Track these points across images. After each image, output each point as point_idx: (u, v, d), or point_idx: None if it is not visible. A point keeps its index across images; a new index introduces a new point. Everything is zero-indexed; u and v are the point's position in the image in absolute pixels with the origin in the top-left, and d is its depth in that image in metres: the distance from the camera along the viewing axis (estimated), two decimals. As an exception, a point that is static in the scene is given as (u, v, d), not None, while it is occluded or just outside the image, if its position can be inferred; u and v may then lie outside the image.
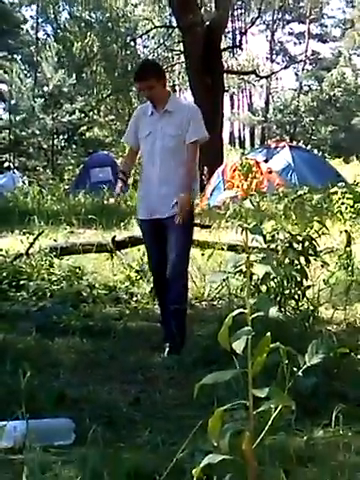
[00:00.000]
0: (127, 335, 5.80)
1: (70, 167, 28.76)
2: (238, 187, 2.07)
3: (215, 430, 2.18)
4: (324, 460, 3.24)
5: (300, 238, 5.52)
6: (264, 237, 5.36)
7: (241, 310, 2.16)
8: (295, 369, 2.73)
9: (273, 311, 2.07)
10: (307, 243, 5.52)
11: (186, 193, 5.25)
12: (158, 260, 5.47)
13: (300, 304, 5.46)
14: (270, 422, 2.34)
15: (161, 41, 34.41)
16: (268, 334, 2.11)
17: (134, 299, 7.02)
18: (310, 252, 5.56)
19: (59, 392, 4.13)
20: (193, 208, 5.49)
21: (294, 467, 3.05)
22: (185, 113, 5.38)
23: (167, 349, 5.20)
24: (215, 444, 2.21)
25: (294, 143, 32.16)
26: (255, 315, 2.13)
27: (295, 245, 5.42)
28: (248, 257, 2.12)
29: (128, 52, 32.91)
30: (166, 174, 5.32)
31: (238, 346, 2.08)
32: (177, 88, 47.17)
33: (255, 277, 5.26)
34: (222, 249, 8.03)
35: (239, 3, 45.72)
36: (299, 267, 5.39)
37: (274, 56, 62.50)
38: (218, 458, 2.16)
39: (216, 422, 2.18)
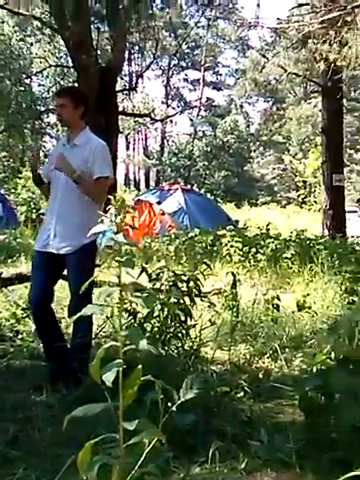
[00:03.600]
0: (10, 373, 5.68)
1: None
2: (111, 222, 2.10)
3: (84, 463, 2.17)
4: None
5: (185, 278, 5.58)
6: (149, 276, 5.44)
7: (113, 343, 2.18)
8: (171, 405, 2.76)
9: (143, 343, 2.09)
10: (192, 283, 5.58)
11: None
12: (38, 294, 5.37)
13: (184, 343, 5.51)
14: (143, 457, 2.35)
15: (57, 80, 34.37)
16: (139, 366, 2.13)
17: (19, 337, 6.89)
18: (195, 292, 5.62)
19: None
20: (95, 247, 5.35)
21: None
22: (93, 149, 5.33)
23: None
24: (84, 478, 2.19)
25: (188, 186, 32.66)
26: (127, 348, 2.15)
27: (180, 285, 5.48)
28: (121, 291, 2.14)
29: (22, 89, 32.58)
30: (67, 210, 5.23)
31: (108, 378, 2.08)
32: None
33: (140, 315, 5.31)
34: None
35: (136, 47, 46.28)
36: (183, 306, 5.44)
37: (170, 101, 63.67)
38: (87, 492, 2.14)
39: (86, 455, 2.17)
